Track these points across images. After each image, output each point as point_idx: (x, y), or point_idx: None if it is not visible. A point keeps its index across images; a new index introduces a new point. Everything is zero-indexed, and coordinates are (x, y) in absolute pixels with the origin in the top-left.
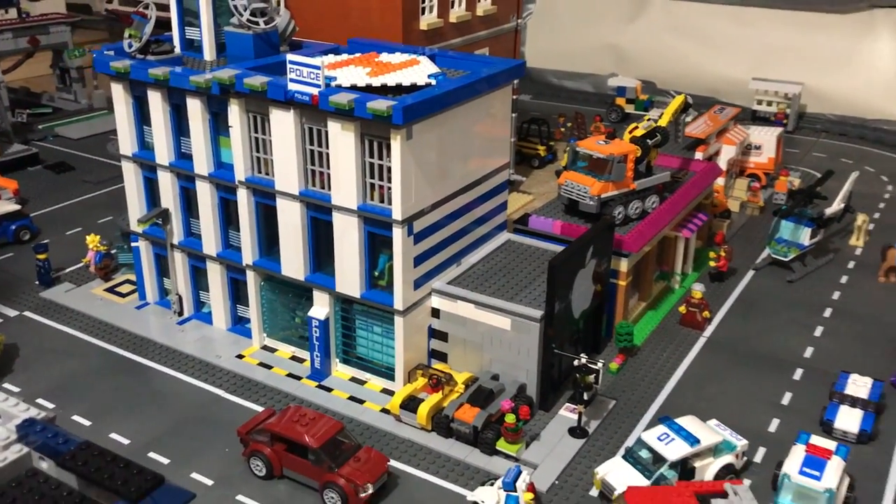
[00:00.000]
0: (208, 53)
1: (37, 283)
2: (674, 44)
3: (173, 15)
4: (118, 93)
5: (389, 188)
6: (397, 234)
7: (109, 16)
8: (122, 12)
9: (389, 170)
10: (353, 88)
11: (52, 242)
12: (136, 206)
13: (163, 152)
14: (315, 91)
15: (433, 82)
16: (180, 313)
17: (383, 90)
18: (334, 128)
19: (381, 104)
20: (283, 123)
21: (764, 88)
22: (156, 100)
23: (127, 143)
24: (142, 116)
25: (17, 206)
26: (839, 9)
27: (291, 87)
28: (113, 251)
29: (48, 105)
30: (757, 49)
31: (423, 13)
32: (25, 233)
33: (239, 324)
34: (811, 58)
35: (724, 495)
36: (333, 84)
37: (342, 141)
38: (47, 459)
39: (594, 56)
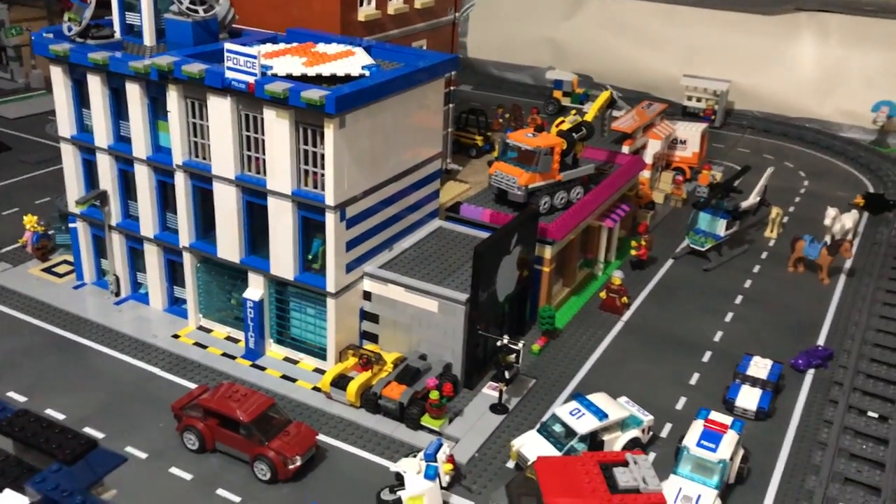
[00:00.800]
0: (148, 39)
1: None
2: (609, 40)
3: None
4: (57, 75)
5: (323, 175)
6: (330, 219)
7: None
8: None
9: (323, 157)
10: (289, 78)
11: None
12: (74, 188)
13: (101, 135)
14: (251, 79)
15: (367, 73)
16: (117, 294)
17: (318, 80)
18: (269, 115)
19: (314, 93)
20: (219, 110)
21: (694, 85)
22: (95, 84)
23: (66, 125)
24: (80, 99)
25: None
26: (766, 10)
27: (229, 74)
28: (51, 232)
29: None
30: (688, 47)
31: (361, 4)
32: None
33: (175, 304)
34: (739, 57)
35: (625, 464)
36: (269, 73)
37: (277, 128)
38: None
39: (533, 49)
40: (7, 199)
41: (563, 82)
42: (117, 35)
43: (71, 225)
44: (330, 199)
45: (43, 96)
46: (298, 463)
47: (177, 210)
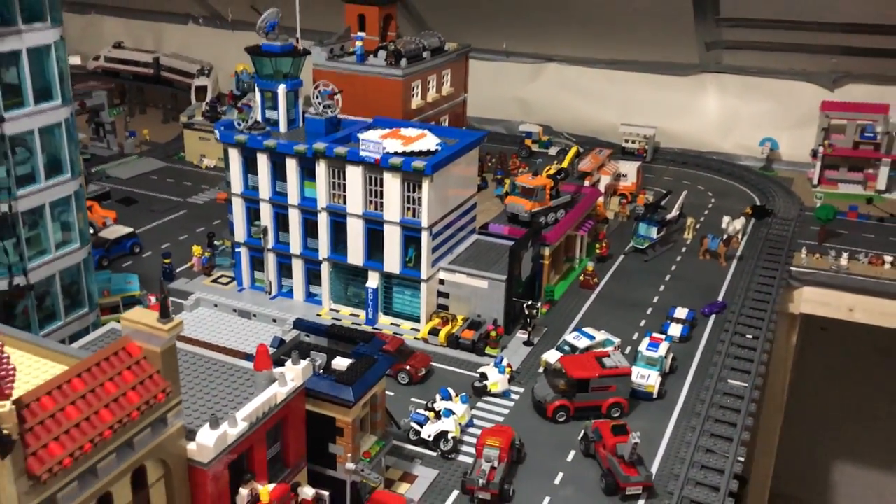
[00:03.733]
0: (283, 128)
1: (161, 279)
2: (564, 97)
3: (256, 102)
4: (233, 153)
5: (418, 209)
6: (424, 235)
7: (96, 70)
8: (109, 68)
9: (419, 199)
10: (396, 154)
11: (151, 254)
12: (240, 226)
13: (265, 190)
14: (377, 156)
15: (440, 148)
16: (270, 292)
17: (411, 153)
18: (388, 176)
19: (418, 164)
20: (354, 173)
21: (629, 130)
22: (262, 159)
23: (237, 185)
24: (247, 168)
25: (130, 229)
26: (680, 73)
27: (362, 153)
28: (217, 253)
29: (84, 152)
30: (624, 101)
31: (413, 98)
32: (137, 247)
33: (310, 297)
34: (662, 108)
35: (608, 356)
36: (383, 150)
37: (392, 183)
38: (310, 335)
39: (506, 106)
40: (155, 238)
41: (531, 133)
42: (259, 124)
43: (237, 250)
44: (425, 223)
45: (139, 159)
46: (423, 373)
47: (318, 235)
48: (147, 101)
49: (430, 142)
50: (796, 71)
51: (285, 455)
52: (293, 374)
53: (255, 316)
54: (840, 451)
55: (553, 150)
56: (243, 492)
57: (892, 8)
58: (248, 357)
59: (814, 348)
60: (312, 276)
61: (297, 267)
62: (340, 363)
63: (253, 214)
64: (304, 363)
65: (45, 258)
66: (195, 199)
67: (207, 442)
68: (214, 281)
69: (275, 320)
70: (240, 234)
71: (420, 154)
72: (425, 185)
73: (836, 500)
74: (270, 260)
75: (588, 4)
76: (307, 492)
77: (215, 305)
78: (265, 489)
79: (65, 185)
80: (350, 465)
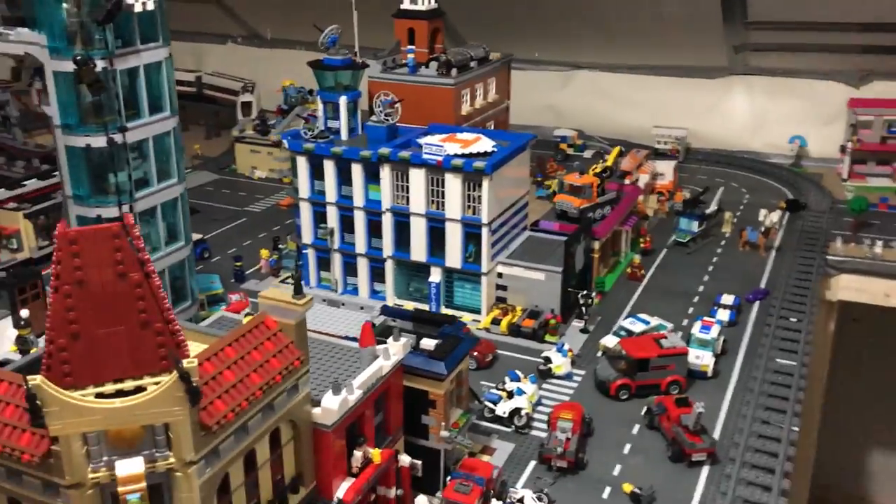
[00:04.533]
0: (344, 135)
1: (233, 280)
2: (595, 103)
3: (320, 112)
4: (301, 161)
5: (478, 206)
6: (484, 231)
7: None
8: None
9: (479, 197)
10: (457, 156)
11: (220, 258)
12: (307, 228)
13: (331, 194)
14: (439, 158)
15: (495, 150)
16: (337, 290)
17: (469, 154)
18: (449, 176)
19: (479, 164)
20: (417, 175)
21: (661, 133)
22: (329, 165)
23: (305, 190)
24: (314, 173)
25: (200, 235)
26: (709, 76)
27: (425, 156)
28: (283, 256)
29: None
30: (655, 105)
31: (463, 104)
32: (206, 253)
33: (374, 294)
34: (692, 110)
35: (665, 338)
36: (445, 153)
37: (453, 183)
38: (395, 319)
39: (539, 113)
40: (222, 245)
41: (566, 137)
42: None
43: (304, 251)
44: (485, 219)
45: (191, 173)
46: (490, 358)
47: (381, 235)
48: (188, 119)
49: (486, 144)
50: (822, 70)
51: (387, 424)
52: (395, 349)
53: (343, 305)
54: (879, 438)
55: (588, 154)
56: (357, 454)
57: None
58: (346, 339)
59: (851, 336)
60: (376, 274)
61: (363, 265)
62: (428, 343)
63: (319, 217)
64: (403, 340)
65: (155, 255)
66: (252, 208)
67: (332, 406)
68: (283, 281)
69: (362, 308)
70: (307, 236)
71: (478, 155)
72: (485, 183)
73: (874, 488)
74: (336, 259)
75: (617, 14)
76: (405, 459)
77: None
78: (376, 452)
79: (172, 189)
80: (444, 433)
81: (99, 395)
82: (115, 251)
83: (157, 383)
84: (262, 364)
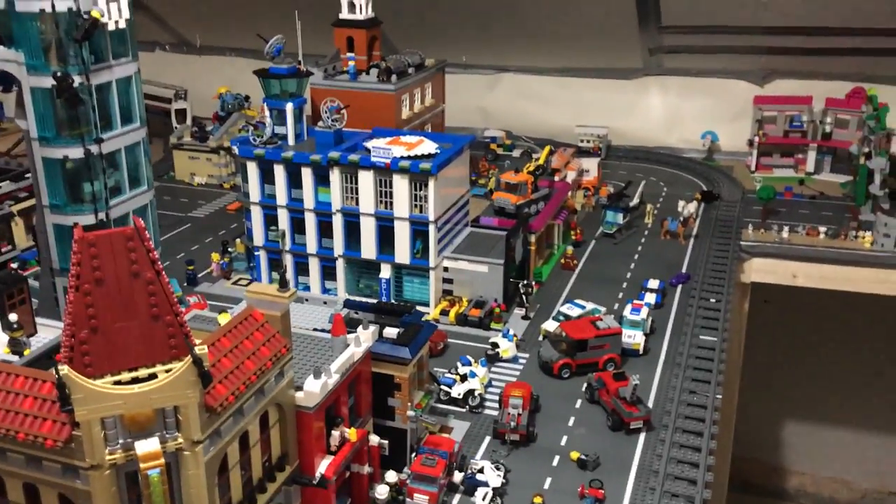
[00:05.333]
0: (291, 141)
1: (185, 284)
2: (522, 104)
3: (267, 118)
4: (251, 166)
5: (425, 205)
6: (431, 228)
7: None
8: None
9: (426, 197)
10: (404, 158)
11: (170, 263)
12: (259, 231)
13: (282, 197)
14: (387, 160)
15: (438, 151)
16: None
17: (413, 157)
18: (396, 177)
19: (426, 165)
20: (365, 177)
21: (584, 131)
22: (279, 169)
23: (255, 194)
24: (264, 178)
25: None
26: (626, 77)
27: (374, 159)
28: (233, 258)
29: None
30: (576, 104)
31: (403, 109)
32: None
33: (326, 291)
34: (612, 109)
35: (600, 320)
36: (392, 155)
37: (401, 184)
38: (358, 311)
39: (469, 115)
40: (171, 251)
41: (496, 137)
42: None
43: (255, 253)
44: (431, 217)
45: None
46: (442, 346)
47: (332, 235)
48: None
49: (429, 146)
50: (730, 70)
51: (358, 407)
52: (364, 337)
53: (307, 301)
54: (793, 410)
55: (517, 153)
56: (335, 433)
57: (811, 13)
58: (316, 330)
59: (764, 314)
60: (327, 273)
61: (314, 265)
62: (391, 332)
63: (270, 220)
64: (371, 328)
65: None
66: (195, 214)
67: (314, 389)
68: (234, 283)
69: (325, 302)
70: (258, 238)
71: (423, 157)
72: (431, 183)
73: (791, 458)
74: (288, 260)
75: (539, 19)
76: (374, 438)
77: None
78: (352, 431)
79: (143, 196)
80: (411, 413)
81: (116, 383)
82: (130, 252)
83: (167, 370)
84: (254, 352)
